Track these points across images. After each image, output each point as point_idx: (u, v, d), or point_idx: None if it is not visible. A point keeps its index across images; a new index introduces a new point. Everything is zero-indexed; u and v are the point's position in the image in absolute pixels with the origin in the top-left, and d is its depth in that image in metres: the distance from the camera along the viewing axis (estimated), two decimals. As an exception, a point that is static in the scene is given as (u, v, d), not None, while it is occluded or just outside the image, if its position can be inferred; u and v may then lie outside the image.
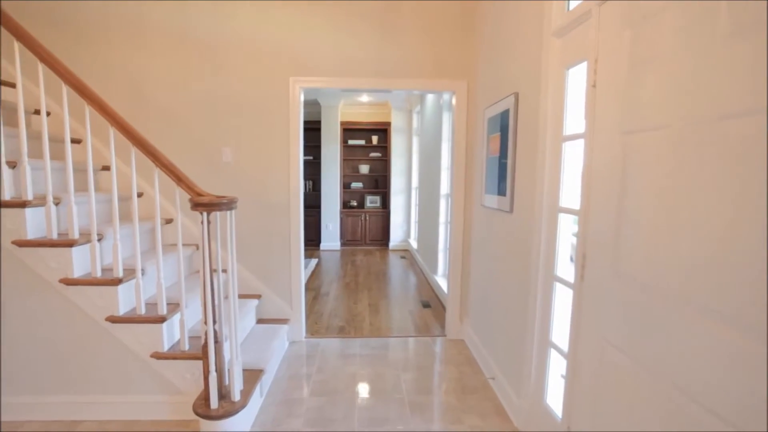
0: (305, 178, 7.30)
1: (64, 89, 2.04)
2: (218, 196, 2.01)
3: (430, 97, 5.19)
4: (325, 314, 3.87)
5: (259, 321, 3.14)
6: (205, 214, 1.91)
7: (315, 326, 3.55)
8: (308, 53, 3.04)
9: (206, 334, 1.98)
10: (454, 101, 3.21)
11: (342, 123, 7.14)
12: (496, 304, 2.51)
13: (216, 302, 2.01)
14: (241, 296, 3.08)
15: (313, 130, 7.29)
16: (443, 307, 4.07)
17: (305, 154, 7.38)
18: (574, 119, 1.72)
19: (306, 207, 7.49)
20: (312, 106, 7.29)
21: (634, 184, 1.25)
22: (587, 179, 1.52)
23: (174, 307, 2.30)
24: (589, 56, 1.50)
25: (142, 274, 2.28)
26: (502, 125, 2.39)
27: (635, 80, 1.24)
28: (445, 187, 4.42)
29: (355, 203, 7.45)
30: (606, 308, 1.38)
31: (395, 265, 6.07)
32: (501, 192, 2.41)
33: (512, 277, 2.25)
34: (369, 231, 7.36)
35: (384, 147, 7.37)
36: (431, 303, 4.23)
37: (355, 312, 3.94)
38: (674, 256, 1.07)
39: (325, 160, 7.01)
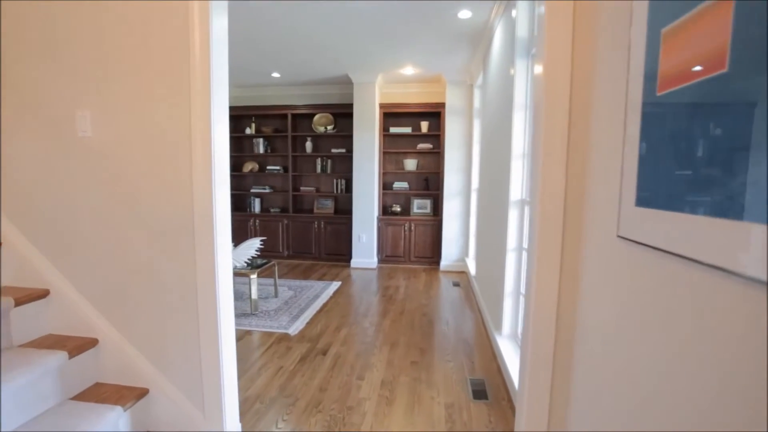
0: (336, 176, 5.84)
1: None
2: None
3: (496, 49, 3.38)
4: (302, 401, 2.28)
5: (141, 442, 1.64)
6: None
7: (271, 434, 1.98)
8: None
9: None
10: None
11: (381, 105, 5.54)
12: None
13: None
14: (87, 395, 1.58)
15: (344, 116, 5.79)
16: (509, 401, 2.29)
17: (336, 147, 5.93)
18: None
19: (336, 212, 6.04)
20: (342, 86, 5.79)
21: None
22: None
23: None
24: None
25: None
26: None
27: None
28: (517, 188, 2.61)
29: (398, 208, 5.82)
30: None
31: (445, 297, 4.32)
32: (732, 208, 0.63)
33: None
34: (415, 245, 5.68)
35: (437, 136, 5.64)
36: (489, 388, 2.46)
37: (354, 401, 2.31)
38: None
39: (358, 154, 5.46)
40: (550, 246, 1.40)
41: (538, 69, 1.47)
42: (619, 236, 1.04)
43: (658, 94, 0.87)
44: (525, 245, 2.55)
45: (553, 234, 1.39)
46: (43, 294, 1.67)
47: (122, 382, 1.69)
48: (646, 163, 0.92)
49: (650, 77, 0.91)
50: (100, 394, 1.61)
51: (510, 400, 2.31)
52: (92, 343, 1.66)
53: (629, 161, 0.99)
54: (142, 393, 1.65)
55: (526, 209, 2.51)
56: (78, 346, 1.59)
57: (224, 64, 1.62)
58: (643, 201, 0.92)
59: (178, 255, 1.61)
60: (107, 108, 1.61)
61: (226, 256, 1.65)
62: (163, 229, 1.62)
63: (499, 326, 2.85)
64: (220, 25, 1.59)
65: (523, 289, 2.61)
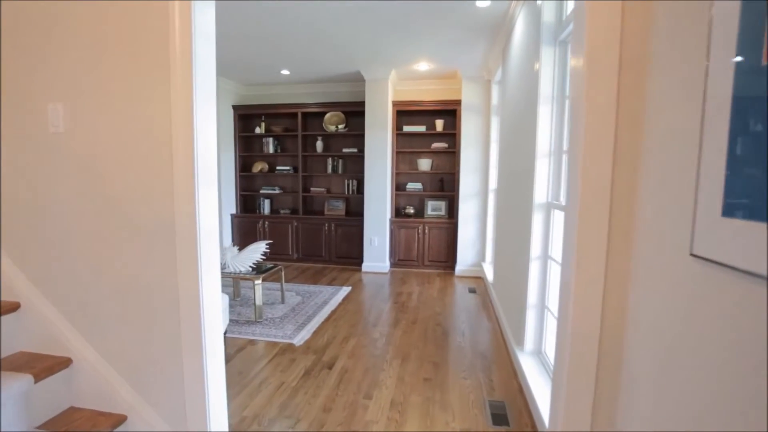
0: (347, 177, 5.65)
1: None
2: None
3: (516, 40, 3.13)
4: (303, 423, 2.08)
5: (117, 475, 1.45)
6: None
7: (266, 463, 1.78)
8: None
9: None
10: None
11: (394, 103, 5.33)
12: None
13: None
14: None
15: (356, 114, 5.59)
16: (533, 427, 2.04)
17: (347, 146, 5.73)
18: None
19: (347, 214, 5.83)
20: (354, 83, 5.60)
21: None
22: None
23: None
24: None
25: None
26: None
27: None
28: (542, 190, 2.36)
29: (411, 210, 5.58)
30: None
31: (460, 304, 4.08)
32: None
33: None
34: (429, 248, 5.44)
35: (452, 134, 5.39)
36: (510, 411, 2.21)
37: (360, 424, 2.09)
38: None
39: (370, 153, 5.25)
40: (591, 260, 1.16)
41: (578, 58, 1.24)
42: (693, 255, 0.80)
43: (765, 63, 0.63)
44: (551, 253, 2.29)
45: (595, 247, 1.15)
46: (14, 307, 1.51)
47: (98, 407, 1.51)
48: (741, 160, 0.68)
49: (749, 46, 0.67)
50: (71, 421, 1.43)
51: (534, 427, 2.07)
52: (65, 362, 1.49)
53: (712, 160, 0.75)
54: (119, 420, 1.47)
55: (553, 214, 2.26)
56: (47, 367, 1.42)
57: (210, 59, 1.43)
58: (738, 211, 0.68)
59: (159, 264, 1.42)
60: (80, 101, 1.43)
61: (213, 265, 1.46)
62: (143, 236, 1.43)
63: (520, 341, 2.60)
64: (204, 19, 1.40)
65: (548, 302, 2.36)
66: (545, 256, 2.36)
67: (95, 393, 1.52)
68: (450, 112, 5.39)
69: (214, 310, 1.48)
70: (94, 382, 1.51)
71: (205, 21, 1.42)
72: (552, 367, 2.16)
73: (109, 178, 1.45)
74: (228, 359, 2.79)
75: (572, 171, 1.22)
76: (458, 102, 5.18)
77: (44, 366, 1.42)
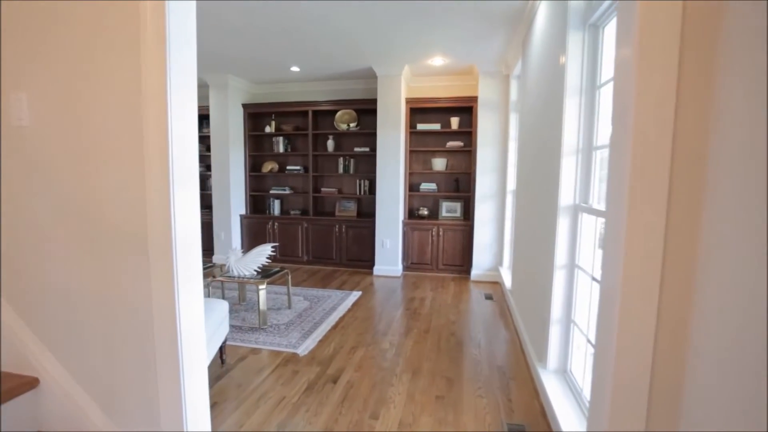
0: (359, 177, 5.48)
1: None
2: None
3: (538, 29, 2.88)
4: (302, 448, 1.90)
5: None
6: None
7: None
8: None
9: None
10: None
11: (408, 100, 5.12)
12: None
13: None
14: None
15: (368, 112, 5.40)
16: (560, 461, 1.81)
17: (359, 145, 5.55)
18: None
19: (359, 215, 5.65)
20: (366, 80, 5.41)
21: None
22: None
23: None
24: None
25: None
26: None
27: None
28: (569, 191, 2.12)
29: (425, 212, 5.37)
30: None
31: (476, 312, 3.85)
32: None
33: None
34: (443, 251, 5.21)
35: (468, 133, 5.15)
36: (532, 438, 1.98)
37: (364, 449, 1.90)
38: None
39: (383, 153, 5.05)
40: (640, 278, 0.94)
41: (627, 31, 1.02)
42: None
43: None
44: (578, 262, 2.06)
45: (645, 262, 0.93)
46: (-22, 320, 1.37)
47: (68, 432, 1.36)
48: None
49: None
50: (35, 450, 1.28)
51: (559, 458, 1.84)
52: (31, 383, 1.33)
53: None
54: (89, 449, 1.30)
55: (581, 217, 2.02)
56: (10, 389, 1.27)
57: (190, 56, 1.26)
58: None
59: (131, 278, 1.26)
60: (47, 91, 1.27)
61: (193, 276, 1.29)
62: (114, 244, 1.27)
63: (542, 357, 2.36)
64: (182, 14, 1.22)
65: (574, 316, 2.12)
66: (572, 265, 2.13)
67: (65, 417, 1.36)
68: (466, 109, 5.15)
69: (194, 329, 1.30)
70: (63, 405, 1.36)
71: (183, 16, 1.24)
72: (581, 391, 1.93)
73: (78, 179, 1.29)
74: (228, 369, 2.63)
75: (615, 168, 0.99)
76: (474, 98, 4.94)
77: (7, 387, 1.27)
